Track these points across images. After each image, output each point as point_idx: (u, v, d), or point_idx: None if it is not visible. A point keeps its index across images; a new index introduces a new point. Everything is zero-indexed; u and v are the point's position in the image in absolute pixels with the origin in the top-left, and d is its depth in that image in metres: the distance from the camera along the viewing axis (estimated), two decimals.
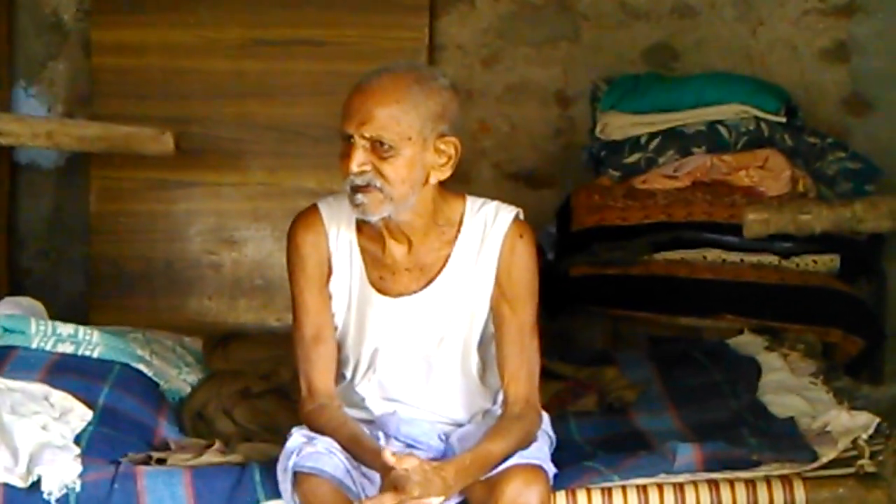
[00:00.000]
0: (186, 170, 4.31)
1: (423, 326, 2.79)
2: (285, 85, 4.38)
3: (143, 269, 4.35)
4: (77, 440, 2.89)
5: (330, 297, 2.81)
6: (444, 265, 2.78)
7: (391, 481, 2.50)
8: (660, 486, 2.84)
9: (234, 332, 4.04)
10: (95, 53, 4.41)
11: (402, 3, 4.39)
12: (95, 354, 3.33)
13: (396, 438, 2.81)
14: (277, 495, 2.76)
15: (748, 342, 3.64)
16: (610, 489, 2.83)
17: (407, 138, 2.62)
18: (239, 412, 3.28)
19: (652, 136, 4.22)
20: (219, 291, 4.38)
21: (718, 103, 4.20)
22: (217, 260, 4.39)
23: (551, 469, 2.74)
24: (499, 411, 2.81)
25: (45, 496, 2.73)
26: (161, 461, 2.90)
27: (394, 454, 2.53)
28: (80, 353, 3.31)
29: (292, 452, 2.70)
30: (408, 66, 2.75)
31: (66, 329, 3.35)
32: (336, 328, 2.83)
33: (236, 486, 2.82)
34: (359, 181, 2.64)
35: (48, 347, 3.28)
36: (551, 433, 2.88)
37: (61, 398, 3.01)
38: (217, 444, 3.00)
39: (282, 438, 2.81)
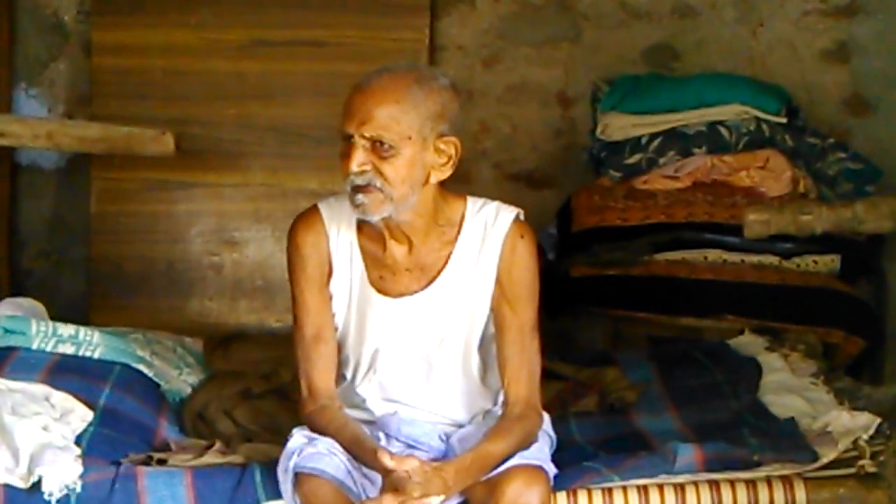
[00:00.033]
0: (187, 171, 4.31)
1: (423, 327, 2.79)
2: (286, 86, 4.37)
3: (144, 269, 4.34)
4: (78, 441, 2.88)
5: (330, 298, 2.81)
6: (444, 265, 2.78)
7: (392, 482, 2.50)
8: (660, 487, 2.84)
9: (234, 332, 4.05)
10: (96, 54, 4.40)
11: (402, 3, 4.39)
12: (96, 355, 3.33)
13: (397, 439, 2.81)
14: (278, 496, 2.76)
15: (749, 343, 3.64)
16: (610, 489, 2.82)
17: (407, 138, 2.62)
18: (240, 413, 3.28)
19: (652, 136, 4.22)
20: (220, 292, 4.37)
21: (719, 104, 4.20)
22: (218, 261, 4.38)
23: (552, 469, 2.74)
24: (499, 412, 2.81)
25: (45, 497, 2.73)
26: (162, 462, 2.90)
27: (394, 456, 2.53)
28: (80, 353, 3.32)
29: (293, 453, 2.70)
30: (408, 66, 2.75)
31: (66, 330, 3.35)
32: (336, 328, 2.83)
33: (237, 486, 2.81)
34: (359, 181, 2.64)
35: (49, 348, 3.28)
36: (552, 433, 2.88)
37: (62, 399, 3.01)
38: (218, 445, 3.00)
39: (282, 439, 2.81)
